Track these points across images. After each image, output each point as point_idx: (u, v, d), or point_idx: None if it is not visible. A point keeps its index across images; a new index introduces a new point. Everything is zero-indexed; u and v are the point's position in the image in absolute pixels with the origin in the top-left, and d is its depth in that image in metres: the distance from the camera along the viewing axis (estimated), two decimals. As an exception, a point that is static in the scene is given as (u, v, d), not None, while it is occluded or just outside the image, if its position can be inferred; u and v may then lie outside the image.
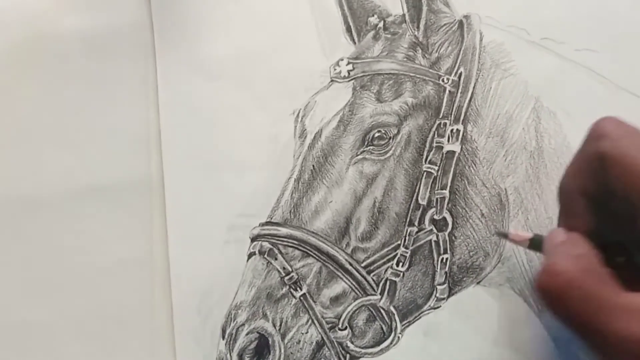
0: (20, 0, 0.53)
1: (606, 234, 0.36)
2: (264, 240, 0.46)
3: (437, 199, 0.46)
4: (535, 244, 0.40)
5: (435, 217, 0.46)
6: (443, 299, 0.46)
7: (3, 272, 0.50)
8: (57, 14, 0.53)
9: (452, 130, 0.46)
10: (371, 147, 0.46)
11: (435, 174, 0.46)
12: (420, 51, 0.48)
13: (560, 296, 0.33)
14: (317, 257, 0.45)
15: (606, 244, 0.35)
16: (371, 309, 0.45)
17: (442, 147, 0.46)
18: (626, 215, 0.35)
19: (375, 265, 0.46)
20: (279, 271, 0.45)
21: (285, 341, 0.44)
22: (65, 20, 0.52)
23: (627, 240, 0.36)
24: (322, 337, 0.45)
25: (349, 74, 0.48)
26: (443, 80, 0.47)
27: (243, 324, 0.45)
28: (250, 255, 0.47)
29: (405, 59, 0.48)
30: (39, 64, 0.52)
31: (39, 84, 0.52)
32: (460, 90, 0.47)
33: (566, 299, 0.33)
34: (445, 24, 0.48)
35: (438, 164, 0.46)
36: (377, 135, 0.46)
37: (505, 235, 0.42)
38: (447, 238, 0.46)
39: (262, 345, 0.44)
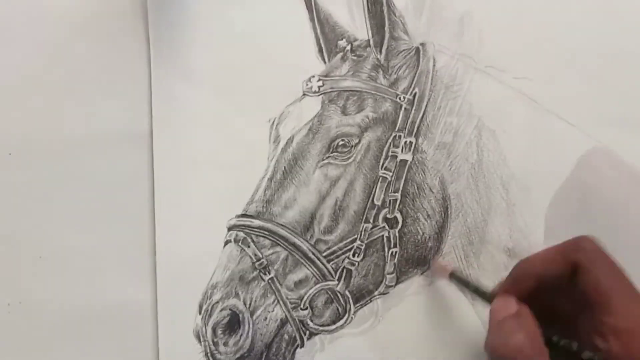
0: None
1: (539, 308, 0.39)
2: (239, 230, 0.48)
3: (390, 201, 0.48)
4: (453, 276, 0.45)
5: (388, 216, 0.48)
6: (391, 286, 0.49)
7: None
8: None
9: (405, 142, 0.48)
10: (335, 154, 0.48)
11: (390, 179, 0.48)
12: (381, 72, 0.50)
13: None
14: (284, 247, 0.47)
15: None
16: (329, 293, 0.48)
17: (396, 156, 0.48)
18: (565, 313, 0.39)
19: (334, 255, 0.48)
20: (250, 257, 0.47)
21: (254, 318, 0.47)
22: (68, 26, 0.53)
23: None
24: (285, 316, 0.47)
25: (319, 89, 0.50)
26: (400, 99, 0.49)
27: (217, 302, 0.47)
28: (226, 243, 0.48)
29: (368, 79, 0.49)
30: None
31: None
32: (414, 108, 0.49)
33: None
34: (404, 50, 0.50)
35: (392, 171, 0.48)
36: (341, 143, 0.48)
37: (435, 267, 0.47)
38: (397, 234, 0.48)
39: (234, 321, 0.47)
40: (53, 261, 0.50)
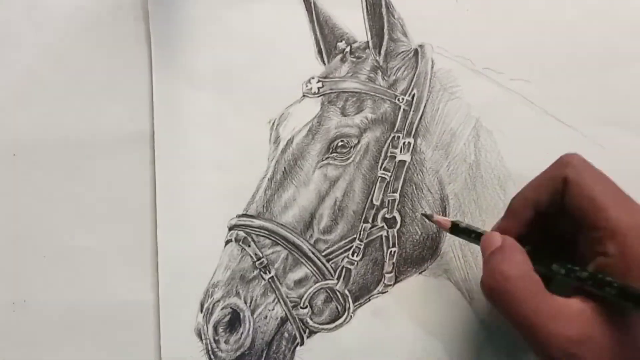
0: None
1: (538, 244, 0.39)
2: (239, 230, 0.48)
3: (388, 201, 0.48)
4: (455, 229, 0.43)
5: (387, 216, 0.48)
6: (390, 285, 0.49)
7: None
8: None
9: (404, 143, 0.49)
10: (335, 154, 0.49)
11: (388, 179, 0.48)
12: (380, 74, 0.50)
13: (504, 297, 0.36)
14: (284, 246, 0.48)
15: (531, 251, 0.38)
16: (329, 292, 0.48)
17: (395, 157, 0.49)
18: (564, 236, 0.39)
19: (333, 254, 0.48)
20: (251, 256, 0.47)
21: (255, 316, 0.47)
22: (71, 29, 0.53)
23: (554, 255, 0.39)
24: (286, 314, 0.48)
25: (318, 90, 0.50)
26: (398, 100, 0.49)
27: (218, 300, 0.47)
28: (227, 242, 0.49)
29: (367, 80, 0.50)
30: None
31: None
32: (412, 109, 0.49)
33: (509, 300, 0.36)
34: (402, 51, 0.50)
35: (391, 171, 0.48)
36: (340, 144, 0.49)
37: (429, 217, 0.46)
38: (395, 234, 0.48)
39: (235, 319, 0.47)
40: (57, 260, 0.51)
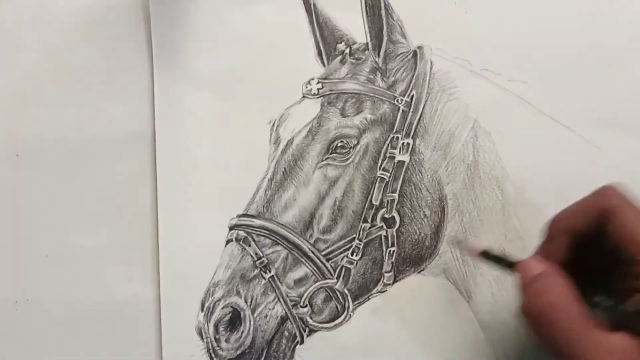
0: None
1: (577, 271, 0.38)
2: (240, 230, 0.49)
3: (387, 201, 0.49)
4: (485, 256, 0.43)
5: (386, 215, 0.49)
6: (389, 284, 0.49)
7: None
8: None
9: (403, 144, 0.49)
10: (334, 155, 0.49)
11: (387, 180, 0.49)
12: (379, 75, 0.50)
13: (547, 323, 0.35)
14: (284, 246, 0.48)
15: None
16: (328, 291, 0.49)
17: (394, 157, 0.49)
18: (603, 262, 0.38)
19: (333, 254, 0.49)
20: (251, 256, 0.48)
21: (255, 315, 0.47)
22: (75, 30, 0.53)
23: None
24: (286, 313, 0.48)
25: (318, 91, 0.50)
26: (397, 101, 0.50)
27: (219, 300, 0.48)
28: (227, 242, 0.49)
29: (366, 81, 0.50)
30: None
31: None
32: (411, 110, 0.49)
33: (553, 328, 0.35)
34: (401, 53, 0.50)
35: (390, 171, 0.49)
36: (339, 144, 0.49)
37: (459, 243, 0.47)
38: (394, 234, 0.49)
39: (235, 318, 0.47)
40: (59, 260, 0.51)
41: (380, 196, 0.49)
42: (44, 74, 0.53)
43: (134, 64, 0.52)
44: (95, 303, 0.51)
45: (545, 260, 0.39)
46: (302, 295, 0.48)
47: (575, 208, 0.39)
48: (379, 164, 0.49)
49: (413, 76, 0.50)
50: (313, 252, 0.48)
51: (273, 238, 0.48)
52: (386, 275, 0.49)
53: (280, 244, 0.48)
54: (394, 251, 0.49)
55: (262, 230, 0.48)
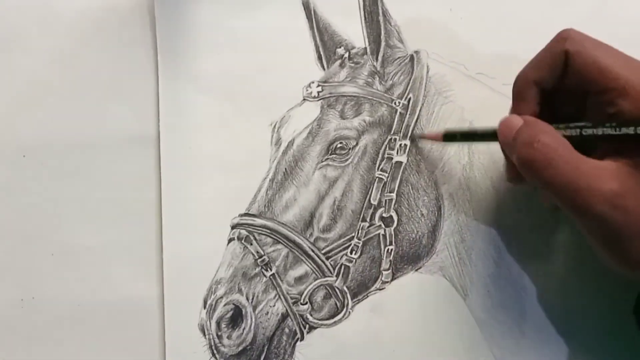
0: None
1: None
2: (241, 229, 0.49)
3: (386, 200, 0.50)
4: (450, 137, 0.45)
5: (384, 215, 0.49)
6: (387, 282, 0.50)
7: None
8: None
9: (400, 145, 0.50)
10: (334, 156, 0.50)
11: (385, 180, 0.50)
12: (377, 78, 0.51)
13: (545, 165, 0.36)
14: (285, 244, 0.49)
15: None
16: (328, 288, 0.49)
17: (392, 158, 0.50)
18: (569, 111, 0.39)
19: (333, 252, 0.49)
20: (253, 254, 0.49)
21: (256, 312, 0.48)
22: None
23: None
24: (286, 310, 0.49)
25: (318, 94, 0.51)
26: (395, 103, 0.51)
27: (221, 297, 0.48)
28: (230, 240, 0.50)
29: (365, 84, 0.51)
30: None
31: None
32: (409, 112, 0.50)
33: (550, 167, 0.36)
34: (399, 57, 0.51)
35: (388, 172, 0.50)
36: (339, 146, 0.50)
37: (419, 137, 0.48)
38: (392, 232, 0.50)
39: (237, 315, 0.48)
40: (64, 259, 0.52)
41: (378, 196, 0.50)
42: (51, 77, 0.53)
43: (140, 68, 0.53)
44: (100, 300, 0.51)
45: (519, 116, 0.40)
46: (302, 293, 0.49)
47: (537, 58, 0.41)
48: (377, 165, 0.50)
49: (410, 80, 0.51)
50: (313, 251, 0.49)
51: (274, 237, 0.49)
52: (384, 273, 0.50)
53: (281, 243, 0.49)
54: (392, 249, 0.50)
55: (264, 229, 0.49)
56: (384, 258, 0.50)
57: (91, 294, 0.52)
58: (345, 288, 0.50)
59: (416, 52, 0.52)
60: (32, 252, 0.52)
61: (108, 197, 0.52)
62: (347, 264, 0.49)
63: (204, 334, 0.49)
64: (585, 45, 0.38)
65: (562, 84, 0.39)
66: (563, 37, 0.39)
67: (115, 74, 0.53)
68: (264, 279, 0.49)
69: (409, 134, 0.51)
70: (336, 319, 0.50)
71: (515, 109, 0.42)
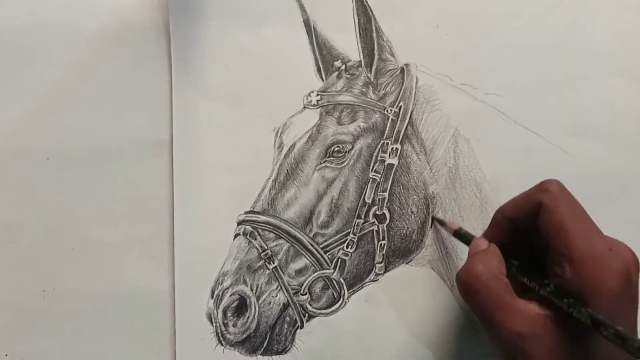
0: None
1: (513, 253, 0.42)
2: (247, 225, 0.51)
3: (379, 199, 0.51)
4: (457, 234, 0.48)
5: (377, 212, 0.51)
6: (380, 274, 0.52)
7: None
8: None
9: (392, 149, 0.52)
10: (331, 158, 0.51)
11: (379, 180, 0.51)
12: (371, 88, 0.53)
13: (472, 292, 0.39)
14: (286, 239, 0.50)
15: (509, 259, 0.41)
16: (326, 280, 0.51)
17: (384, 161, 0.52)
18: (538, 246, 0.41)
19: (330, 247, 0.51)
20: (257, 249, 0.50)
21: (260, 302, 0.50)
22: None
23: (527, 264, 0.42)
24: (287, 300, 0.50)
25: (317, 102, 0.52)
26: (387, 111, 0.52)
27: (228, 288, 0.50)
28: (236, 236, 0.51)
29: (360, 94, 0.53)
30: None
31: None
32: (399, 119, 0.52)
33: (476, 295, 0.39)
34: (390, 69, 0.53)
35: (381, 173, 0.51)
36: (336, 149, 0.51)
37: (440, 221, 0.50)
38: (385, 229, 0.51)
39: (242, 305, 0.50)
40: (84, 253, 0.53)
41: (372, 195, 0.51)
42: (73, 87, 0.54)
43: (155, 78, 0.54)
44: (116, 292, 0.53)
45: (487, 241, 0.43)
46: (302, 284, 0.51)
47: (517, 199, 0.42)
48: (371, 167, 0.52)
49: (401, 90, 0.53)
50: (312, 245, 0.51)
51: (276, 232, 0.51)
52: (378, 265, 0.52)
53: (283, 238, 0.51)
54: (384, 244, 0.51)
55: (267, 225, 0.51)
56: (378, 252, 0.51)
57: (108, 286, 0.53)
58: (341, 280, 0.51)
59: (406, 64, 0.53)
60: (53, 247, 0.53)
61: (125, 196, 0.53)
62: (344, 257, 0.51)
63: (211, 322, 0.51)
64: (559, 205, 0.39)
65: (535, 226, 0.40)
66: (543, 188, 0.40)
67: (132, 84, 0.54)
68: (267, 271, 0.50)
69: (400, 140, 0.53)
70: (333, 308, 0.51)
71: (489, 233, 0.44)
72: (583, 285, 0.36)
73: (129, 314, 0.53)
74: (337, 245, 0.51)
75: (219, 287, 0.51)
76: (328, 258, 0.51)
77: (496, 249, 0.42)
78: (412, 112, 0.53)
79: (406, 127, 0.53)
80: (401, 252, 0.52)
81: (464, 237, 0.47)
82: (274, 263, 0.50)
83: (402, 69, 0.54)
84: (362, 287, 0.52)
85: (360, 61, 0.54)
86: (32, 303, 0.53)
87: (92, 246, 0.53)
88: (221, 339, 0.51)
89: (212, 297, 0.51)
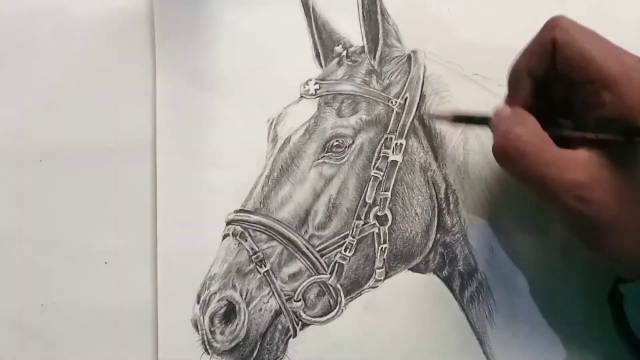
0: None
1: (541, 112, 0.41)
2: (236, 225, 0.50)
3: (380, 199, 0.50)
4: (457, 119, 0.46)
5: (379, 213, 0.50)
6: (380, 280, 0.50)
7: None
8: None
9: (396, 144, 0.50)
10: (330, 153, 0.50)
11: (381, 179, 0.50)
12: (375, 77, 0.51)
13: (519, 156, 0.38)
14: (280, 241, 0.49)
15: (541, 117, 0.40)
16: (321, 286, 0.49)
17: (387, 157, 0.50)
18: (562, 99, 0.40)
19: (327, 250, 0.49)
20: (247, 251, 0.49)
21: (250, 308, 0.48)
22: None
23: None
24: (280, 307, 0.49)
25: (315, 92, 0.51)
26: (392, 103, 0.51)
27: (215, 293, 0.48)
28: (224, 236, 0.50)
29: (362, 83, 0.51)
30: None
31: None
32: (405, 112, 0.50)
33: (524, 158, 0.37)
34: (396, 57, 0.51)
35: (383, 171, 0.50)
36: (335, 144, 0.50)
37: (431, 116, 0.49)
38: (386, 231, 0.50)
39: (230, 311, 0.48)
40: (81, 263, 0.52)
41: (373, 194, 0.50)
42: (64, 82, 0.53)
43: (138, 64, 0.52)
44: (99, 294, 0.52)
45: (512, 105, 0.42)
46: (296, 290, 0.49)
47: (527, 48, 0.41)
48: (373, 163, 0.50)
49: (407, 79, 0.51)
50: (307, 248, 0.49)
51: (269, 233, 0.49)
52: (378, 271, 0.50)
53: (276, 240, 0.49)
54: (385, 248, 0.50)
55: (258, 226, 0.49)
56: (378, 256, 0.50)
57: (96, 296, 0.52)
58: (338, 286, 0.50)
59: (413, 51, 0.52)
60: (50, 257, 0.52)
61: (105, 194, 0.53)
62: (341, 261, 0.50)
63: (197, 330, 0.49)
64: (573, 34, 0.38)
65: (553, 73, 0.39)
66: (552, 25, 0.39)
67: (114, 72, 0.53)
68: (258, 276, 0.49)
69: (405, 134, 0.51)
70: (329, 316, 0.50)
71: (509, 99, 0.43)
72: (626, 105, 0.36)
73: (109, 322, 0.52)
74: (335, 249, 0.50)
75: (206, 292, 0.49)
76: (324, 262, 0.49)
77: (522, 109, 0.41)
78: (418, 104, 0.51)
79: (412, 120, 0.51)
80: (403, 256, 0.51)
81: (471, 118, 0.46)
82: (265, 267, 0.49)
83: (409, 57, 0.52)
84: (361, 294, 0.51)
85: (364, 47, 0.52)
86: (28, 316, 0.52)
87: (89, 256, 0.52)
88: (207, 347, 0.49)
89: (198, 303, 0.50)
